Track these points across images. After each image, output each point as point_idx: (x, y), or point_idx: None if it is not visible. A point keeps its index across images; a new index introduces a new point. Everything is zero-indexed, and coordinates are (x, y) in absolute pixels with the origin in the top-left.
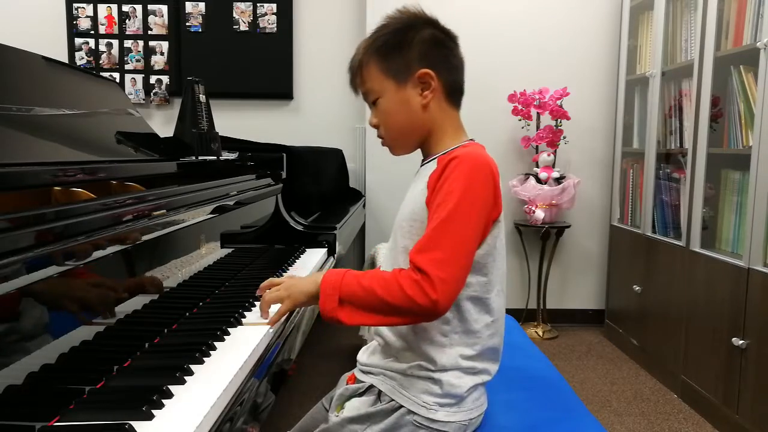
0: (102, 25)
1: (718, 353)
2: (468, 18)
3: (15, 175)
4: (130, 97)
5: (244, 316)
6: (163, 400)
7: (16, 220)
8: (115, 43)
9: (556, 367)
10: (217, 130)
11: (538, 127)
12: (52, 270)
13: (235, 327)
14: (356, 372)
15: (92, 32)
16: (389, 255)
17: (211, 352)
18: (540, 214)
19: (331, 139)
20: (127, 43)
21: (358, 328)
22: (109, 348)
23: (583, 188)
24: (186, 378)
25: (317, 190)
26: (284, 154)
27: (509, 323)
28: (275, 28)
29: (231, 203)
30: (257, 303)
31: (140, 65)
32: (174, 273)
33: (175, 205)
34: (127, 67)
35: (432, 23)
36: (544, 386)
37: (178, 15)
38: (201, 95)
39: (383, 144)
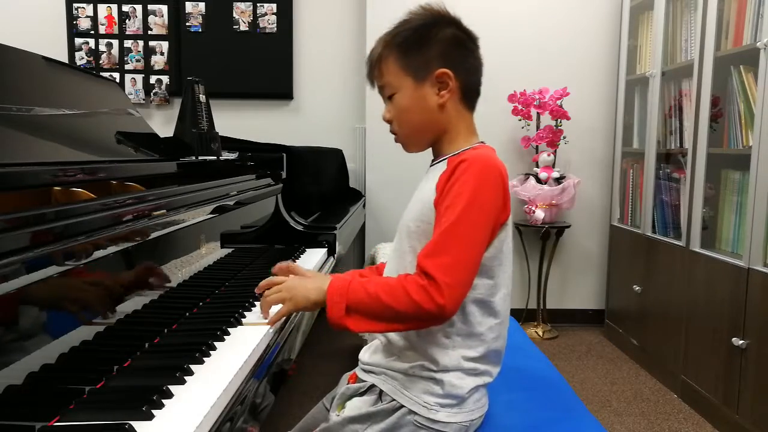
0: (102, 25)
1: (718, 353)
2: (468, 18)
3: (15, 175)
4: (130, 97)
5: (244, 316)
6: (163, 400)
7: (16, 220)
8: (115, 43)
9: (556, 367)
10: (217, 130)
11: (538, 127)
12: (52, 270)
13: (235, 327)
14: (358, 371)
15: (92, 32)
16: (395, 254)
17: (211, 352)
18: (540, 214)
19: (331, 139)
20: (127, 43)
21: None
22: (109, 348)
23: (583, 188)
24: (186, 378)
25: (317, 190)
26: (284, 154)
27: (509, 323)
28: (275, 28)
29: (231, 203)
30: (257, 303)
31: (140, 65)
32: (174, 273)
33: (175, 205)
34: (127, 67)
35: (454, 23)
36: (544, 386)
37: (178, 15)
38: (201, 95)
39: (396, 140)
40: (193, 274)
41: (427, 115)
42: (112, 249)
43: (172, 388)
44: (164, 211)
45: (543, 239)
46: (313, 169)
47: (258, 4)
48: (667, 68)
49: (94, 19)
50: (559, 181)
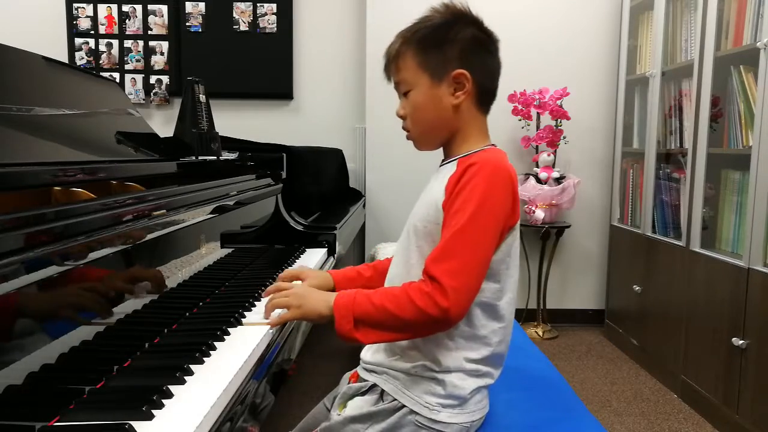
0: (102, 25)
1: (718, 353)
2: None
3: (15, 175)
4: (130, 97)
5: (244, 316)
6: (163, 400)
7: (16, 220)
8: (115, 43)
9: (556, 367)
10: (217, 130)
11: (538, 127)
12: (52, 270)
13: (235, 327)
14: (359, 370)
15: (92, 32)
16: (400, 252)
17: (211, 352)
18: (540, 214)
19: (331, 139)
20: (127, 43)
21: None
22: (109, 348)
23: (583, 188)
24: (186, 378)
25: (317, 190)
26: (284, 154)
27: None
28: (275, 28)
29: (231, 203)
30: (257, 303)
31: (140, 65)
32: (174, 273)
33: (175, 205)
34: (127, 67)
35: (476, 23)
36: (544, 386)
37: (178, 15)
38: (201, 95)
39: (407, 137)
40: (193, 274)
41: (441, 115)
42: (112, 249)
43: (172, 388)
44: (164, 211)
45: (543, 239)
46: (313, 169)
47: (258, 4)
48: (667, 68)
49: (94, 19)
50: (559, 181)
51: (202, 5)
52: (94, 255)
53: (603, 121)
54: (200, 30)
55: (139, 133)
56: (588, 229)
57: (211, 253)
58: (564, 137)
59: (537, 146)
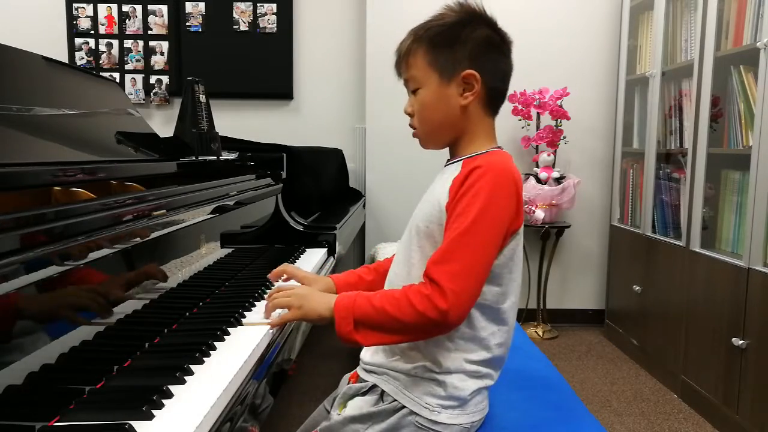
0: (102, 25)
1: (718, 353)
2: None
3: (15, 175)
4: (130, 97)
5: (244, 316)
6: (163, 400)
7: (16, 220)
8: (115, 43)
9: (556, 367)
10: (217, 130)
11: (538, 127)
12: (53, 270)
13: (235, 327)
14: (359, 370)
15: (92, 32)
16: (402, 251)
17: (211, 352)
18: (540, 214)
19: (331, 139)
20: (127, 43)
21: None
22: (109, 348)
23: (583, 188)
24: (186, 378)
25: (317, 190)
26: (284, 154)
27: None
28: (275, 28)
29: (231, 203)
30: (257, 303)
31: (140, 65)
32: (174, 273)
33: (175, 205)
34: (127, 67)
35: (489, 23)
36: (544, 386)
37: (178, 15)
38: (201, 95)
39: (414, 135)
40: (193, 274)
41: (448, 115)
42: (112, 249)
43: (172, 388)
44: (164, 211)
45: (543, 239)
46: (313, 169)
47: (258, 4)
48: (667, 68)
49: (94, 19)
50: (559, 181)
51: (202, 5)
52: (94, 255)
53: (603, 121)
54: (200, 30)
55: (139, 133)
56: (588, 229)
57: (211, 253)
58: (564, 137)
59: (537, 146)
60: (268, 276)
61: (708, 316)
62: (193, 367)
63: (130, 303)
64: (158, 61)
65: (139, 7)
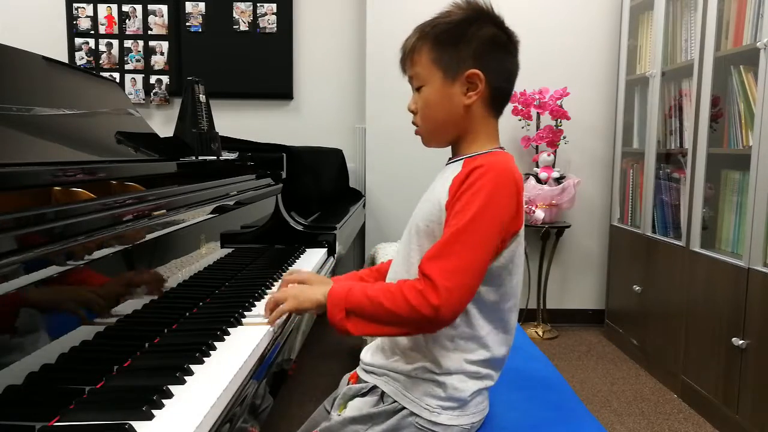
0: (102, 25)
1: (718, 353)
2: None
3: (15, 175)
4: (130, 97)
5: (244, 316)
6: (163, 400)
7: (16, 220)
8: (115, 43)
9: (556, 367)
10: (217, 130)
11: (538, 127)
12: (52, 270)
13: (235, 327)
14: (359, 371)
15: (92, 32)
16: (402, 251)
17: (211, 352)
18: (540, 214)
19: (331, 139)
20: (127, 43)
21: None
22: (109, 348)
23: (583, 188)
24: (186, 378)
25: (317, 190)
26: (284, 154)
27: None
28: (275, 28)
29: (231, 203)
30: (257, 303)
31: (140, 65)
32: (174, 273)
33: (175, 205)
34: (127, 67)
35: (496, 22)
36: (544, 386)
37: (178, 15)
38: (201, 95)
39: (416, 133)
40: (193, 274)
41: (451, 114)
42: (112, 249)
43: (172, 388)
44: (164, 211)
45: (543, 239)
46: (313, 169)
47: (258, 4)
48: (667, 68)
49: (94, 19)
50: (559, 181)
51: (202, 5)
52: (94, 255)
53: (603, 121)
54: (200, 30)
55: (139, 133)
56: (588, 229)
57: (211, 253)
58: (564, 137)
59: (537, 146)
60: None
61: (708, 316)
62: (193, 367)
63: (130, 303)
64: (158, 61)
65: (139, 7)
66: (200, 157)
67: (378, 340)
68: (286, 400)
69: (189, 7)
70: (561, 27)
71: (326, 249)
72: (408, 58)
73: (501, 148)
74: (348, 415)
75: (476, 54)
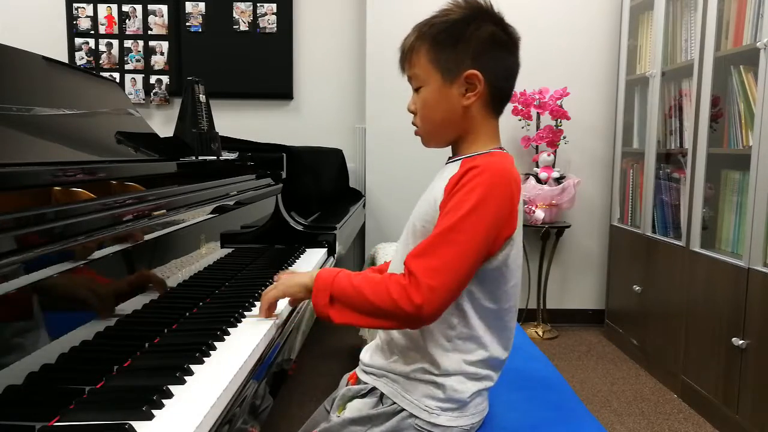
0: (102, 25)
1: (718, 353)
2: None
3: (15, 175)
4: (130, 97)
5: (244, 316)
6: (163, 400)
7: (16, 220)
8: (115, 43)
9: (556, 367)
10: (217, 130)
11: (538, 127)
12: (52, 270)
13: (235, 327)
14: (358, 371)
15: (92, 32)
16: (400, 251)
17: (211, 352)
18: (540, 214)
19: (331, 139)
20: (127, 43)
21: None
22: (109, 348)
23: (583, 188)
24: (186, 378)
25: (317, 190)
26: (284, 154)
27: None
28: (275, 28)
29: (231, 203)
30: (257, 303)
31: (140, 65)
32: (174, 273)
33: (175, 205)
34: (127, 67)
35: (495, 20)
36: (544, 386)
37: (178, 15)
38: (201, 95)
39: (416, 133)
40: (193, 274)
41: (450, 115)
42: (112, 249)
43: (172, 388)
44: (164, 211)
45: (543, 239)
46: (313, 169)
47: (258, 4)
48: (667, 68)
49: (94, 19)
50: (559, 181)
51: (202, 5)
52: (94, 255)
53: (603, 121)
54: (200, 30)
55: (139, 133)
56: (588, 229)
57: (211, 253)
58: (564, 137)
59: (537, 146)
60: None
61: (708, 316)
62: (193, 367)
63: (130, 303)
64: (158, 61)
65: (139, 7)
66: (200, 157)
67: (377, 340)
68: (286, 400)
69: (189, 7)
70: (561, 27)
71: (326, 249)
72: (406, 58)
73: (501, 148)
74: (347, 416)
75: (475, 54)
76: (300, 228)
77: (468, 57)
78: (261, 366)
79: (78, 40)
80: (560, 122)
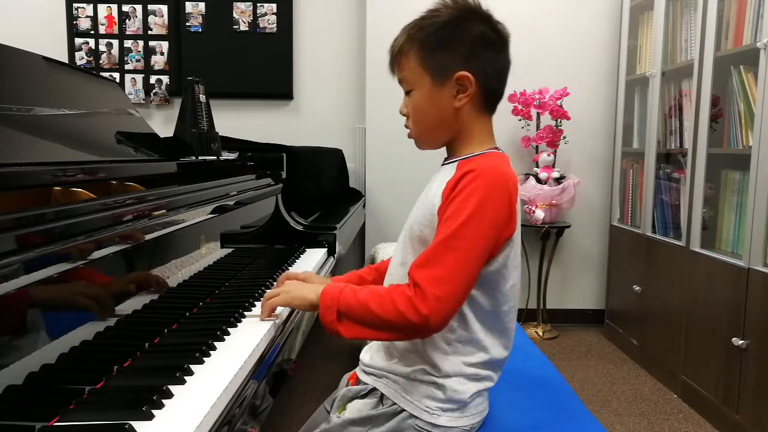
0: (102, 25)
1: (718, 353)
2: None
3: (15, 175)
4: (130, 97)
5: (244, 316)
6: (163, 400)
7: (16, 220)
8: (115, 43)
9: (556, 367)
10: (217, 130)
11: (538, 127)
12: (52, 270)
13: (235, 327)
14: (358, 372)
15: (92, 32)
16: (399, 252)
17: (211, 352)
18: (540, 214)
19: (331, 139)
20: (127, 43)
21: None
22: (109, 348)
23: (583, 188)
24: (186, 378)
25: (317, 190)
26: (284, 154)
27: None
28: (275, 28)
29: (231, 203)
30: (257, 303)
31: (140, 65)
32: (174, 273)
33: (175, 205)
34: (127, 67)
35: (484, 19)
36: (544, 386)
37: (178, 15)
38: (201, 95)
39: (409, 136)
40: (193, 274)
41: (442, 117)
42: (112, 249)
43: (172, 388)
44: (164, 211)
45: (543, 239)
46: (313, 169)
47: (258, 4)
48: (667, 68)
49: (94, 19)
50: (559, 181)
51: (202, 5)
52: (94, 255)
53: (603, 121)
54: (200, 30)
55: (139, 133)
56: (588, 229)
57: (211, 253)
58: (564, 137)
59: (537, 146)
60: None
61: (708, 316)
62: (193, 367)
63: (130, 303)
64: (158, 61)
65: (139, 7)
66: (200, 157)
67: (377, 342)
68: (286, 400)
69: (189, 7)
70: (561, 27)
71: (326, 249)
72: (396, 61)
73: (496, 148)
74: (348, 417)
75: (465, 56)
76: (300, 228)
77: (458, 59)
78: (261, 366)
79: (78, 40)
80: (560, 122)
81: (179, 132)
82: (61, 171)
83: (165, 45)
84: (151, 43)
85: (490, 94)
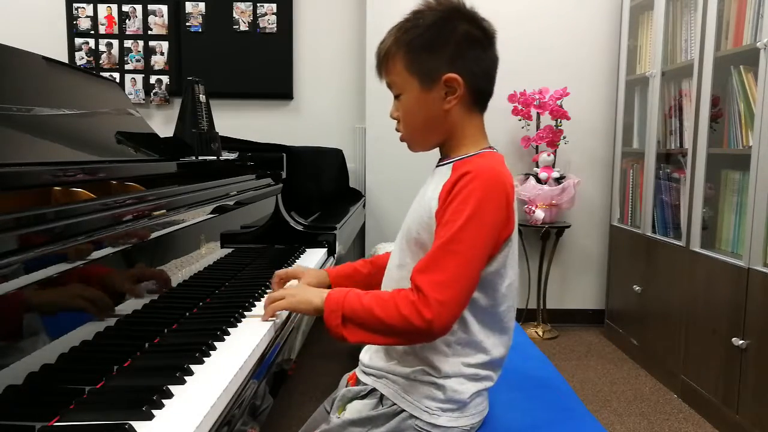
0: (102, 25)
1: (718, 353)
2: None
3: (15, 175)
4: (130, 97)
5: (244, 316)
6: (163, 400)
7: (16, 220)
8: (115, 43)
9: (556, 367)
10: (217, 130)
11: (538, 127)
12: (52, 270)
13: (235, 327)
14: (358, 372)
15: (92, 32)
16: (397, 253)
17: (211, 352)
18: (540, 214)
19: (331, 139)
20: (127, 43)
21: None
22: (109, 348)
23: (583, 188)
24: (186, 378)
25: (317, 190)
26: (284, 154)
27: None
28: (275, 28)
29: (231, 203)
30: (257, 303)
31: (140, 65)
32: (174, 273)
33: (175, 205)
34: (127, 67)
35: (469, 18)
36: (543, 386)
37: (178, 15)
38: (201, 95)
39: (401, 139)
40: (193, 274)
41: (432, 120)
42: (112, 249)
43: (172, 388)
44: (164, 211)
45: (543, 239)
46: (313, 169)
47: (258, 4)
48: (667, 68)
49: (94, 19)
50: (559, 181)
51: (202, 5)
52: (94, 255)
53: (603, 121)
54: (200, 30)
55: (139, 133)
56: (588, 229)
57: (211, 253)
58: (564, 137)
59: (537, 146)
60: (274, 275)
61: (708, 316)
62: (193, 367)
63: (130, 303)
64: (158, 61)
65: (139, 7)
66: (200, 157)
67: None
68: (286, 400)
69: (189, 7)
70: (561, 27)
71: (326, 249)
72: (383, 65)
73: (490, 147)
74: (347, 417)
75: (451, 57)
76: (300, 228)
77: (444, 61)
78: (261, 366)
79: (78, 40)
80: (560, 122)
81: (179, 132)
82: (61, 171)
83: (165, 45)
84: (151, 43)
85: (479, 94)
